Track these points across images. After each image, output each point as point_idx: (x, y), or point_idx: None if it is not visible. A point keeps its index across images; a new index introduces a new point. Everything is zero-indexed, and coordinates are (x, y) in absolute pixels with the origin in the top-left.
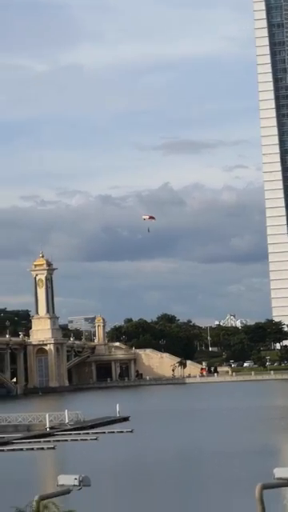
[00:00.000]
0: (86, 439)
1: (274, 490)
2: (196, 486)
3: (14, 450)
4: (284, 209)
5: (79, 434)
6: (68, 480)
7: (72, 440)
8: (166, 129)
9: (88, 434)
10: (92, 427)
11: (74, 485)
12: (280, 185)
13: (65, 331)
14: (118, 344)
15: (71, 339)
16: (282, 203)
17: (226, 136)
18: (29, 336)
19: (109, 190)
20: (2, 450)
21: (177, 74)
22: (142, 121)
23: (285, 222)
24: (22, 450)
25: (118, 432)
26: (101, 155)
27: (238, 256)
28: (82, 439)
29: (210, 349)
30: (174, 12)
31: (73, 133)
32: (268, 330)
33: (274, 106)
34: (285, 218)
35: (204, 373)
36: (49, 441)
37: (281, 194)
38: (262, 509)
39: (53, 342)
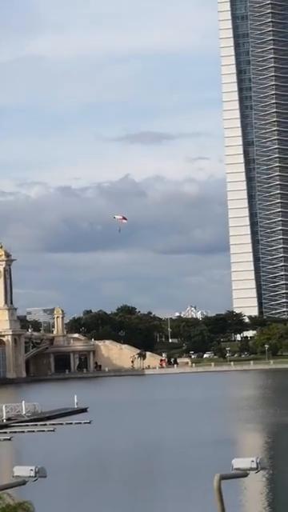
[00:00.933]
0: (43, 430)
1: (233, 481)
2: (154, 477)
3: None
4: (246, 201)
5: (36, 425)
6: (24, 471)
7: (29, 431)
8: (127, 120)
9: (45, 425)
10: (49, 418)
11: (30, 476)
12: (243, 177)
13: (23, 322)
14: (76, 335)
15: (29, 330)
16: (245, 195)
17: (189, 127)
18: None
19: (69, 182)
20: None
21: (140, 65)
22: (103, 112)
23: (247, 214)
24: None
25: (75, 423)
26: (61, 146)
27: (199, 247)
28: (39, 430)
29: (170, 340)
30: (137, 2)
31: (33, 123)
32: (228, 322)
33: (237, 98)
34: (247, 209)
35: (164, 364)
36: (5, 432)
37: (243, 186)
38: (220, 499)
39: (10, 333)
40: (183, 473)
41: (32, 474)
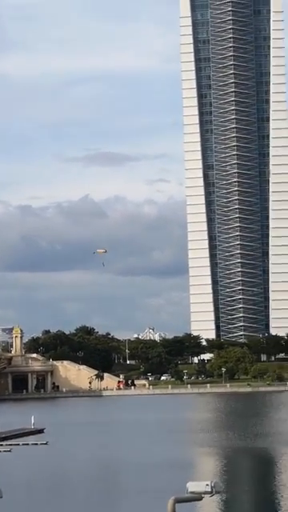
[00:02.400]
0: None
1: (187, 504)
2: (110, 499)
3: None
4: (205, 224)
5: None
6: None
7: None
8: (89, 141)
9: (1, 445)
10: (6, 439)
11: None
12: (202, 200)
13: None
14: (35, 355)
15: None
16: (204, 218)
17: (149, 150)
18: None
19: (29, 200)
20: None
21: (102, 86)
22: (65, 132)
23: (206, 237)
24: None
25: (32, 444)
26: (22, 165)
27: (158, 269)
28: None
29: (128, 362)
30: (100, 24)
31: None
32: (186, 344)
33: (197, 121)
34: (206, 233)
35: (121, 386)
36: None
37: (203, 209)
38: None
39: None
40: (138, 495)
41: None
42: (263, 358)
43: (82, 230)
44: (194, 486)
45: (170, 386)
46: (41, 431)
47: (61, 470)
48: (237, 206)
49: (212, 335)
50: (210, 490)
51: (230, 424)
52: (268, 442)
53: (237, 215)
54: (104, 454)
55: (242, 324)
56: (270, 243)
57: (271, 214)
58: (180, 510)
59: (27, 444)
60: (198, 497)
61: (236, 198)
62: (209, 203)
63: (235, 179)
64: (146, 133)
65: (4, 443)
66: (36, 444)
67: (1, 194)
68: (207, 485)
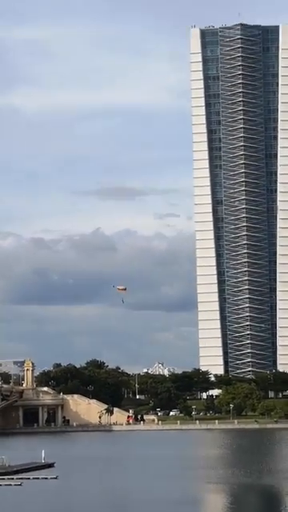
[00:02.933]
0: (9, 484)
1: None
2: None
3: None
4: (214, 259)
5: (3, 479)
6: None
7: None
8: (100, 175)
9: (12, 479)
10: (16, 472)
11: None
12: (211, 235)
13: None
14: (46, 389)
15: None
16: (213, 253)
17: (159, 184)
18: None
19: (41, 234)
20: None
21: (114, 121)
22: (77, 166)
23: (215, 272)
24: None
25: (42, 478)
26: (35, 198)
27: (167, 304)
28: (5, 484)
29: (138, 396)
30: (112, 59)
31: (7, 175)
32: (195, 379)
33: (207, 156)
34: (215, 267)
35: (130, 421)
36: None
37: (212, 243)
38: None
39: None
40: None
41: None
42: (271, 394)
43: (92, 263)
44: None
45: (178, 422)
46: (51, 465)
47: (70, 504)
48: (245, 242)
49: (220, 371)
50: None
51: (237, 461)
52: (275, 479)
53: (245, 250)
54: (113, 489)
55: (249, 360)
56: (278, 279)
57: (279, 250)
58: None
59: (37, 478)
60: None
61: (244, 233)
62: (217, 238)
63: (244, 214)
64: (156, 167)
65: (15, 477)
66: (46, 478)
67: (14, 226)
68: None
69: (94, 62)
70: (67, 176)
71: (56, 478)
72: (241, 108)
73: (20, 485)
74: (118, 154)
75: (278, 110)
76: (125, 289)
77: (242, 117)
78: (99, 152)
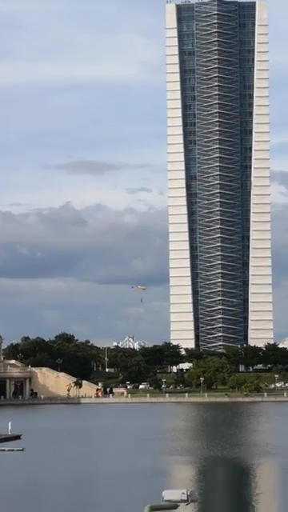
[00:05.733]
0: None
1: None
2: (85, 507)
3: None
4: (187, 234)
5: None
6: None
7: None
8: (71, 149)
9: None
10: None
11: None
12: (184, 210)
13: None
14: (13, 361)
15: None
16: (186, 228)
17: (132, 159)
18: None
19: (10, 207)
20: None
21: (86, 95)
22: (47, 140)
23: (187, 247)
24: None
25: (8, 450)
26: (4, 172)
27: (138, 278)
28: None
29: (107, 370)
30: (86, 34)
31: None
32: (165, 353)
33: (181, 132)
34: (187, 242)
35: (99, 394)
36: None
37: (185, 219)
38: None
39: None
40: (114, 503)
41: None
42: (241, 368)
43: (62, 237)
44: (169, 495)
45: (148, 395)
46: (18, 437)
47: (36, 476)
48: (218, 217)
49: (191, 345)
50: (185, 498)
51: (206, 434)
52: (243, 452)
53: (218, 226)
54: (80, 461)
55: (221, 334)
56: (251, 254)
57: (252, 226)
58: None
59: (3, 450)
60: (173, 505)
61: (218, 208)
62: (191, 213)
63: (217, 190)
64: (128, 142)
65: None
66: (12, 450)
67: None
68: (183, 493)
69: (68, 35)
70: (38, 150)
71: (22, 450)
72: (216, 84)
73: None
74: (90, 128)
75: (253, 86)
76: (144, 288)
77: (217, 92)
78: (71, 126)
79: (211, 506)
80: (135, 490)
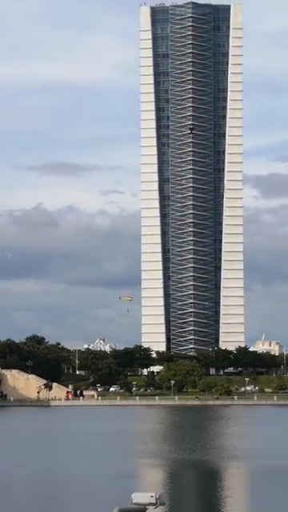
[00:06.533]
0: None
1: None
2: (55, 507)
3: None
4: (159, 236)
5: None
6: None
7: None
8: (43, 150)
9: None
10: None
11: None
12: (157, 213)
13: None
14: None
15: None
16: (158, 231)
17: (104, 161)
18: None
19: None
20: None
21: (59, 96)
22: (19, 141)
23: (159, 250)
24: None
25: None
26: None
27: (109, 281)
28: None
29: (78, 372)
30: (59, 34)
31: None
32: (136, 356)
33: (155, 134)
34: (160, 245)
35: (70, 396)
36: None
37: (157, 221)
38: None
39: None
40: (83, 505)
41: None
42: (212, 371)
43: (34, 238)
44: (138, 497)
45: (118, 398)
46: None
47: (4, 478)
48: (191, 220)
49: (162, 347)
50: (154, 501)
51: (175, 437)
52: (212, 455)
53: (191, 229)
54: (49, 463)
55: (192, 337)
56: (223, 258)
57: (224, 229)
58: None
59: None
60: (142, 508)
61: (190, 211)
62: (163, 216)
63: (190, 193)
64: (101, 144)
65: None
66: None
67: None
68: (152, 496)
69: (41, 35)
70: (9, 150)
71: None
72: (190, 87)
73: None
74: (62, 129)
75: (227, 89)
76: (131, 299)
77: (190, 95)
78: (43, 127)
79: (180, 509)
80: (105, 492)
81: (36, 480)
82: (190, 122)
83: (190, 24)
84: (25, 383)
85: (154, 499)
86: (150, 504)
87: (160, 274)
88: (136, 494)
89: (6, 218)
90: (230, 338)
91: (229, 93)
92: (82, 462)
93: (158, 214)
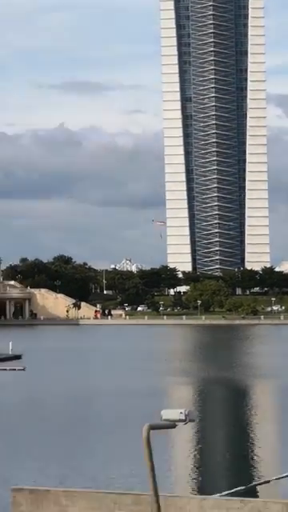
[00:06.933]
0: None
1: (161, 431)
2: (85, 425)
3: None
4: (183, 156)
5: None
6: None
7: None
8: (66, 68)
9: None
10: None
11: None
12: (180, 132)
13: None
14: (12, 282)
15: None
16: (181, 151)
17: (126, 79)
18: None
19: (4, 128)
20: None
21: (80, 14)
22: (41, 59)
23: (183, 170)
24: None
25: (9, 369)
26: None
27: (135, 201)
28: None
29: (105, 292)
30: None
31: None
32: (162, 276)
33: (176, 52)
34: (183, 165)
35: (98, 315)
36: None
37: (180, 141)
38: (148, 448)
39: None
40: (113, 422)
41: None
42: (238, 291)
43: (58, 158)
44: (168, 414)
45: (146, 317)
46: (18, 357)
47: (37, 395)
48: (214, 140)
49: (188, 268)
50: (183, 418)
51: (203, 355)
52: (239, 373)
53: (214, 148)
54: (80, 380)
55: (218, 258)
56: (247, 178)
57: (248, 149)
58: (154, 437)
59: (4, 369)
60: (171, 424)
61: (214, 131)
62: (186, 136)
63: (213, 112)
64: (122, 62)
65: None
66: (14, 370)
67: None
68: (181, 413)
69: None
70: (31, 69)
71: (23, 370)
72: (211, 3)
73: None
74: (83, 47)
75: (248, 6)
76: (164, 223)
77: (211, 12)
78: (64, 45)
79: (208, 425)
80: (134, 410)
81: (68, 396)
82: (211, 40)
83: None
84: (54, 302)
85: (183, 415)
86: (180, 420)
87: (184, 195)
88: (166, 410)
89: (30, 138)
90: (256, 258)
91: (250, 10)
92: (113, 379)
93: (181, 134)
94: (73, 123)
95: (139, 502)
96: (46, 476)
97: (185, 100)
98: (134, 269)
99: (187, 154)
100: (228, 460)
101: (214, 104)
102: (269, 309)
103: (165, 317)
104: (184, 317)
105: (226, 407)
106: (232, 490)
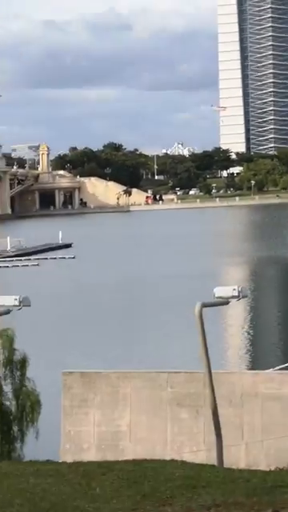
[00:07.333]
0: (27, 265)
1: (215, 308)
2: (138, 307)
3: None
4: (237, 34)
5: (21, 260)
6: (7, 300)
7: (13, 266)
8: None
9: (30, 260)
10: (34, 253)
11: (14, 305)
12: (234, 9)
13: (8, 160)
14: (62, 172)
15: (14, 167)
16: (236, 28)
17: None
18: None
19: (52, 15)
20: None
21: None
22: None
23: (238, 48)
24: None
25: (60, 258)
26: None
27: (186, 83)
28: (23, 265)
29: (156, 177)
30: None
31: None
32: (215, 158)
33: None
34: (238, 43)
35: (149, 201)
36: None
37: (235, 18)
38: (201, 325)
39: None
40: (166, 302)
41: (16, 303)
42: None
43: (107, 43)
44: (221, 291)
45: (198, 200)
46: (68, 246)
47: (88, 282)
48: (269, 15)
49: (242, 148)
50: (236, 294)
51: (255, 235)
52: None
53: (269, 24)
54: (132, 266)
55: (272, 136)
56: None
57: None
58: (207, 315)
59: (55, 258)
60: (224, 301)
61: (269, 6)
62: (241, 12)
63: None
64: None
65: (32, 257)
66: (64, 258)
67: (23, 8)
68: (234, 289)
69: None
70: None
71: (73, 258)
72: None
73: (38, 265)
74: None
75: None
76: (225, 108)
77: None
78: None
79: (260, 302)
80: (188, 290)
81: (121, 281)
82: None
83: None
84: (104, 190)
85: (236, 292)
86: (233, 297)
87: (238, 73)
88: (218, 288)
89: (78, 24)
90: None
91: None
92: (165, 262)
93: (236, 11)
94: (123, 6)
95: (192, 379)
96: (98, 359)
97: None
98: (185, 152)
99: (241, 31)
100: (280, 337)
101: None
102: None
103: (217, 199)
104: (237, 198)
105: (277, 285)
106: (284, 365)
